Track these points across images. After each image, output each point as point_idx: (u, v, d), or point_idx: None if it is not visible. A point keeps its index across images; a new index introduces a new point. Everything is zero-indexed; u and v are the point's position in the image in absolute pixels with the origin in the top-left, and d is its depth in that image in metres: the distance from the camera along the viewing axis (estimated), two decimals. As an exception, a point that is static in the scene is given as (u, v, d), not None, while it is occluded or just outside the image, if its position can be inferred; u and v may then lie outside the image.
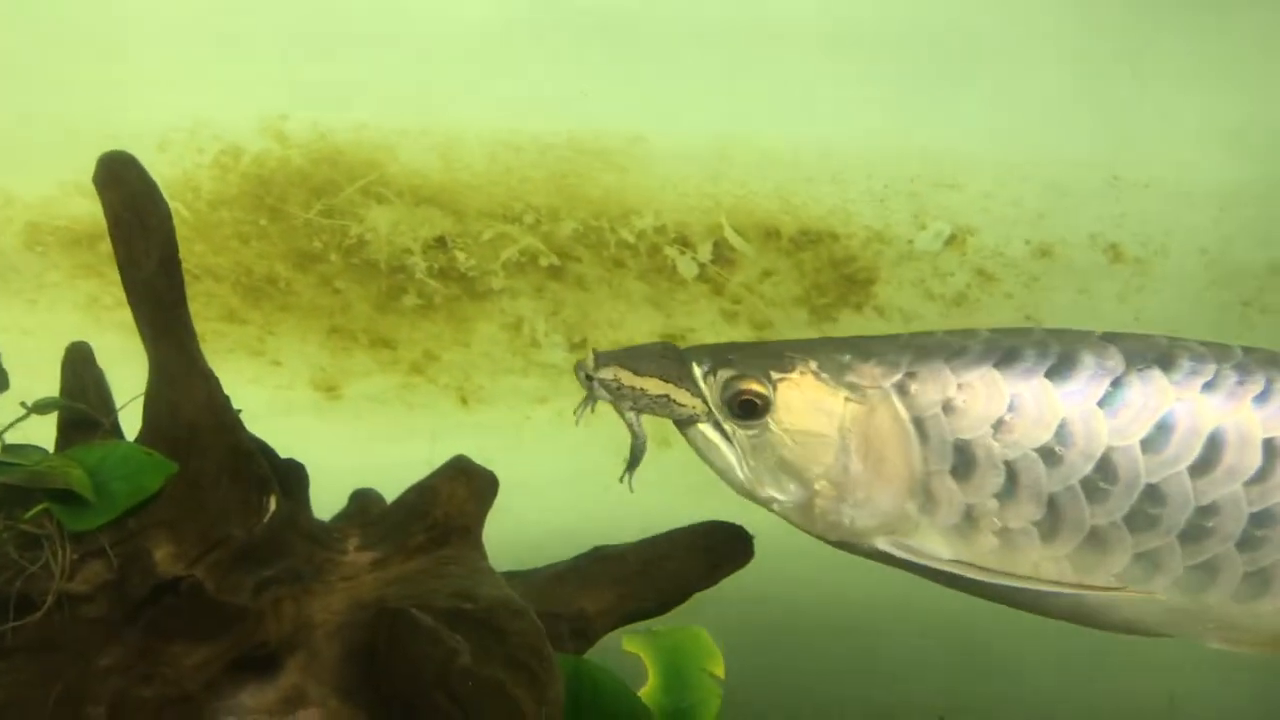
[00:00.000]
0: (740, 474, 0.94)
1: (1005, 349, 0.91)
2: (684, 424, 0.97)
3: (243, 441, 0.97)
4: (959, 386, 0.89)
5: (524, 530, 1.21)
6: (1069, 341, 0.91)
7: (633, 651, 1.04)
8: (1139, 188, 1.59)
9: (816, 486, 0.92)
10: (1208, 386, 0.89)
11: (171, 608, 0.87)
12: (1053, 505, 0.89)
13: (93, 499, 0.91)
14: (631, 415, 0.97)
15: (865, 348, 0.93)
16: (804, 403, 0.91)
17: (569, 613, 1.07)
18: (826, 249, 1.65)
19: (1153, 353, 0.91)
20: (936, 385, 0.90)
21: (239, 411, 1.03)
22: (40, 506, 0.91)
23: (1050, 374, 0.89)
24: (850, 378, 0.91)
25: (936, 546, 0.92)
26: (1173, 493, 0.88)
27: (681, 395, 0.93)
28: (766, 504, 0.96)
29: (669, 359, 0.95)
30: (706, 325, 1.68)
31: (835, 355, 0.92)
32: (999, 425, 0.89)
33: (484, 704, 0.76)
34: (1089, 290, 1.62)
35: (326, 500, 1.12)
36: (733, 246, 1.65)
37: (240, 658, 0.90)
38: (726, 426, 0.93)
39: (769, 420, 0.91)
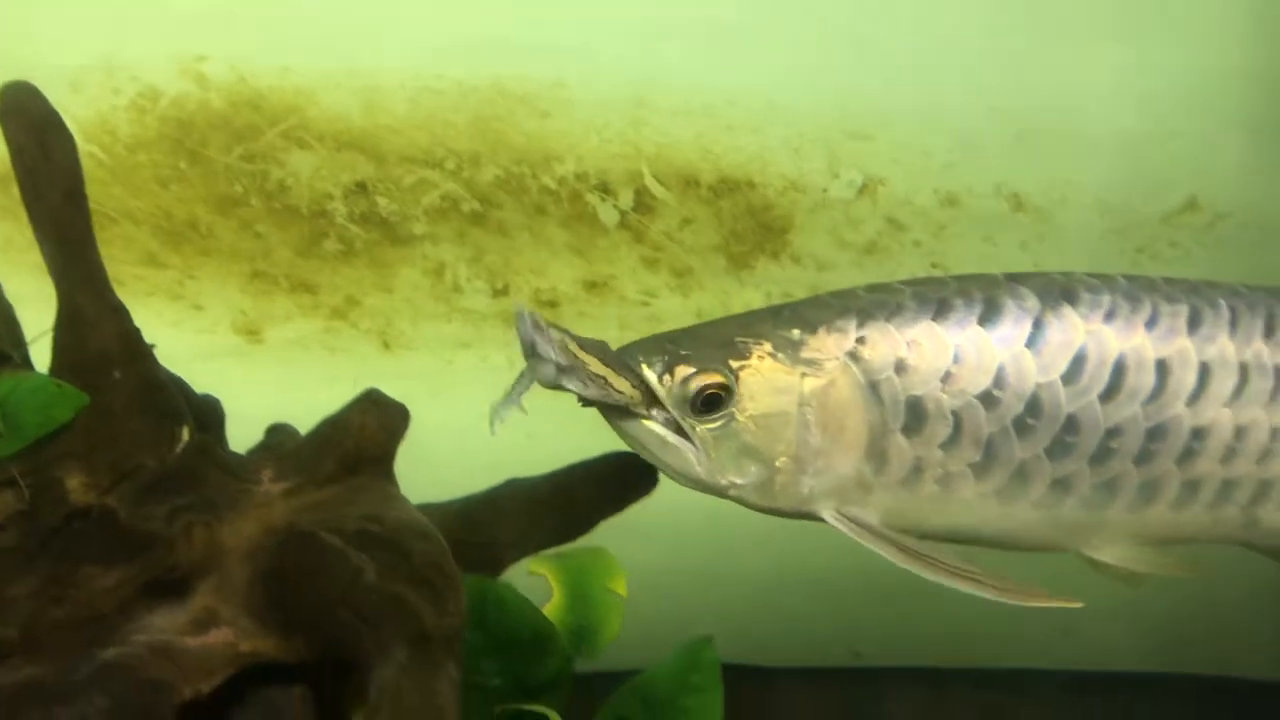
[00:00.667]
0: (698, 469, 0.94)
1: (937, 302, 0.94)
2: (613, 414, 0.96)
3: (153, 373, 0.99)
4: (908, 345, 0.92)
5: (445, 473, 1.24)
6: (984, 287, 0.96)
7: (539, 573, 1.08)
8: (1041, 138, 1.64)
9: (778, 464, 0.93)
10: (1108, 317, 0.95)
11: (82, 533, 0.90)
12: (989, 446, 0.93)
13: (2, 429, 0.93)
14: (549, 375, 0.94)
15: (807, 318, 0.95)
16: (765, 387, 0.91)
17: (481, 540, 1.10)
18: (744, 197, 1.69)
19: (1057, 289, 0.96)
20: (887, 347, 0.92)
21: (152, 347, 1.04)
22: (-51, 436, 0.92)
23: (982, 322, 0.93)
24: (805, 354, 0.92)
25: (882, 500, 0.95)
26: (1086, 420, 0.94)
27: (620, 383, 0.93)
28: (722, 491, 0.96)
29: (607, 349, 0.96)
30: (627, 272, 1.71)
31: (784, 333, 0.93)
32: (946, 377, 0.92)
33: (386, 617, 0.80)
34: (993, 239, 1.67)
35: (248, 444, 1.14)
36: (653, 194, 1.68)
37: (153, 581, 0.93)
38: (686, 424, 0.92)
39: (733, 410, 0.91)
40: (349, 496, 0.98)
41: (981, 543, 0.99)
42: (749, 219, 1.69)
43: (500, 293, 1.69)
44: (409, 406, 1.18)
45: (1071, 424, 0.94)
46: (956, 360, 0.93)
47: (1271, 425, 0.98)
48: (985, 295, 0.95)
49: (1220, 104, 1.65)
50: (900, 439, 0.93)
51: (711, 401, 0.91)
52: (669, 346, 0.93)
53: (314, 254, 1.65)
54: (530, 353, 0.94)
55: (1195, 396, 0.96)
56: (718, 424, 0.91)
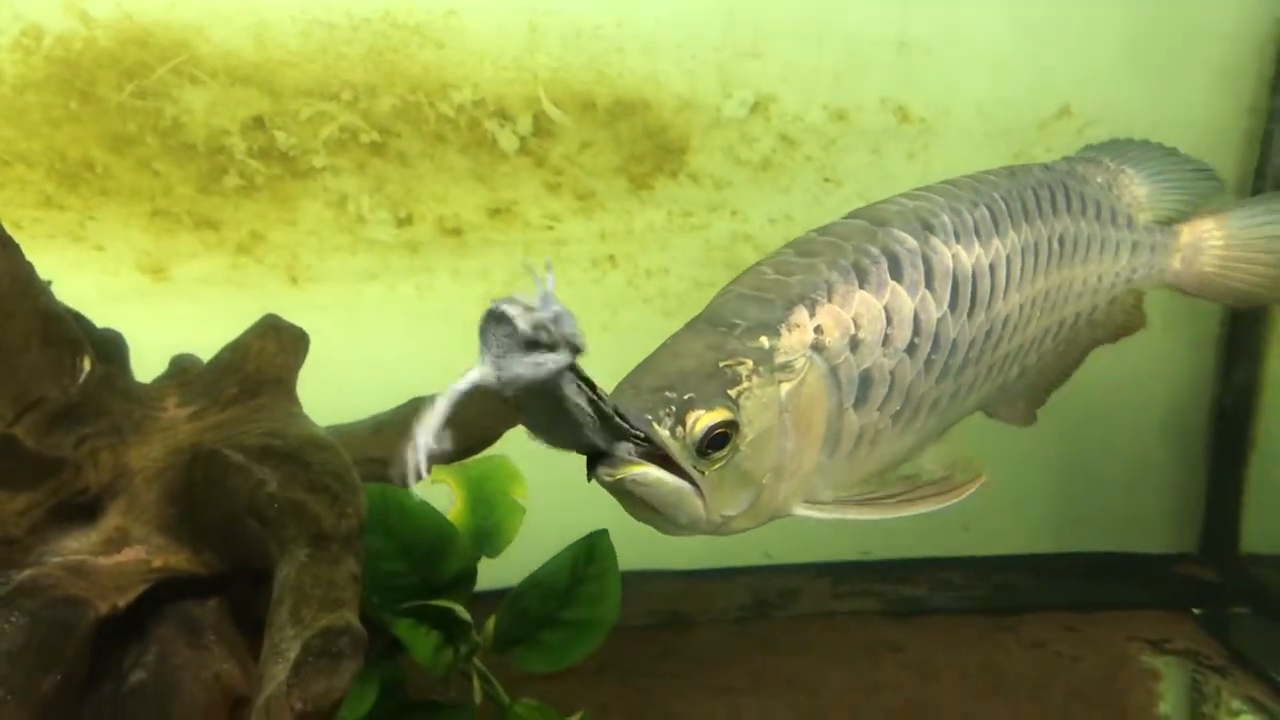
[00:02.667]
0: (702, 513, 0.85)
1: (852, 267, 0.93)
2: (596, 462, 0.81)
3: (50, 306, 1.01)
4: (855, 321, 0.91)
5: (356, 403, 1.27)
6: (869, 238, 0.95)
7: (442, 480, 1.12)
8: (923, 51, 1.70)
9: (764, 481, 0.87)
10: (957, 237, 0.98)
11: (-12, 459, 0.92)
12: (908, 393, 0.95)
13: (-99, 365, 0.94)
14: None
15: (764, 320, 0.89)
16: (758, 407, 0.86)
17: (388, 457, 1.14)
18: (641, 119, 1.72)
19: (916, 222, 0.97)
20: (840, 328, 0.91)
21: (49, 283, 1.06)
22: None
23: (893, 275, 0.93)
24: (779, 359, 0.88)
25: (832, 478, 0.94)
26: (961, 340, 0.97)
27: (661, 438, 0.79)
28: (714, 530, 0.88)
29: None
30: (530, 197, 1.74)
31: (755, 345, 0.87)
32: (885, 341, 0.92)
33: (287, 521, 0.84)
34: (880, 150, 1.73)
35: (161, 380, 1.16)
36: (551, 119, 1.70)
37: (62, 505, 0.96)
38: (696, 470, 0.83)
39: (736, 442, 0.84)
40: (251, 416, 1.02)
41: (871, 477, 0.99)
42: (646, 140, 1.73)
43: (404, 222, 1.71)
44: (320, 338, 1.21)
45: (954, 348, 0.97)
46: (889, 322, 0.93)
47: (1032, 296, 1.05)
48: (880, 247, 0.94)
49: (1093, 15, 1.72)
50: (851, 414, 0.92)
51: (721, 440, 0.83)
52: (670, 396, 0.82)
53: (215, 190, 1.65)
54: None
55: (1007, 289, 1.01)
56: (722, 460, 0.84)
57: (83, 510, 0.97)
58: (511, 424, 1.21)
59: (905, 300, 0.94)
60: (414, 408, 1.21)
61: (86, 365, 1.03)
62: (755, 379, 0.86)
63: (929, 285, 0.95)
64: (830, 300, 0.91)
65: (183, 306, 1.67)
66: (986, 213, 1.01)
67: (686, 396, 0.82)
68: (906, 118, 1.73)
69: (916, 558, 1.84)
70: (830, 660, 1.62)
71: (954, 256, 0.97)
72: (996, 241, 1.01)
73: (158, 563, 0.95)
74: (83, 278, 1.63)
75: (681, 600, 1.75)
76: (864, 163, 1.74)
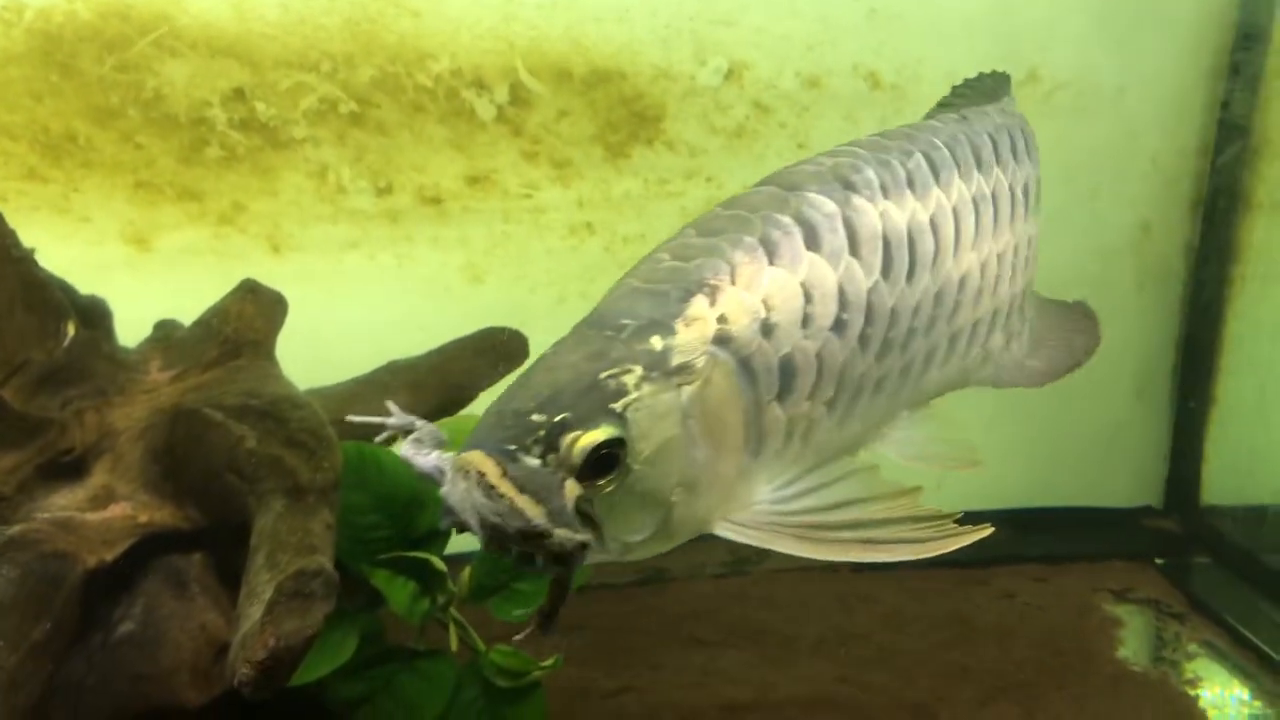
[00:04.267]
0: (599, 550, 0.74)
1: (759, 242, 0.81)
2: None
3: (33, 273, 1.04)
4: (765, 303, 0.79)
5: (339, 369, 1.31)
6: (779, 206, 0.83)
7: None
8: (894, 19, 1.73)
9: (673, 499, 0.75)
10: (884, 191, 0.86)
11: (-24, 420, 0.96)
12: (841, 375, 0.83)
13: (-110, 330, 0.98)
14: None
15: (655, 317, 0.78)
16: (652, 417, 0.74)
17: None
18: (616, 87, 1.75)
19: (835, 181, 0.85)
20: (747, 314, 0.79)
21: (31, 250, 1.09)
22: None
23: (809, 245, 0.82)
24: (675, 361, 0.76)
25: (758, 482, 0.82)
26: (902, 308, 0.86)
27: (573, 488, 0.70)
28: (613, 556, 0.77)
29: (536, 480, 0.69)
30: (508, 165, 1.76)
31: (645, 347, 0.76)
32: (806, 321, 0.81)
33: (265, 475, 0.88)
34: (853, 116, 1.76)
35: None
36: (528, 88, 1.73)
37: (50, 463, 0.99)
38: (579, 501, 0.71)
39: (628, 462, 0.72)
40: (230, 377, 1.05)
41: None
42: (622, 108, 1.76)
43: (384, 192, 1.74)
44: (302, 306, 1.24)
45: (895, 318, 0.86)
46: (809, 299, 0.81)
47: (997, 252, 0.96)
48: (792, 215, 0.82)
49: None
50: (775, 409, 0.80)
51: (607, 462, 0.71)
52: (536, 419, 0.71)
53: (197, 161, 1.67)
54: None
55: (956, 248, 0.91)
56: (613, 485, 0.72)
57: (70, 469, 1.00)
58: (487, 384, 1.24)
59: (826, 272, 0.82)
60: (389, 371, 1.25)
61: (70, 330, 1.07)
62: (646, 387, 0.74)
63: (854, 251, 0.83)
64: (734, 283, 0.79)
65: (167, 276, 1.70)
66: (923, 162, 0.90)
67: (559, 418, 0.71)
68: (878, 84, 1.76)
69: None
70: (804, 613, 1.66)
71: (882, 215, 0.85)
72: (938, 193, 0.90)
73: (143, 518, 0.99)
74: (69, 249, 1.66)
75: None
76: (837, 129, 1.77)
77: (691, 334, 0.77)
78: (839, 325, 0.83)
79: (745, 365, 0.79)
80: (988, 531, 0.80)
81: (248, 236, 1.72)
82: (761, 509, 0.81)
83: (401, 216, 1.76)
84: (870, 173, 0.87)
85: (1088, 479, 1.95)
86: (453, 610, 1.08)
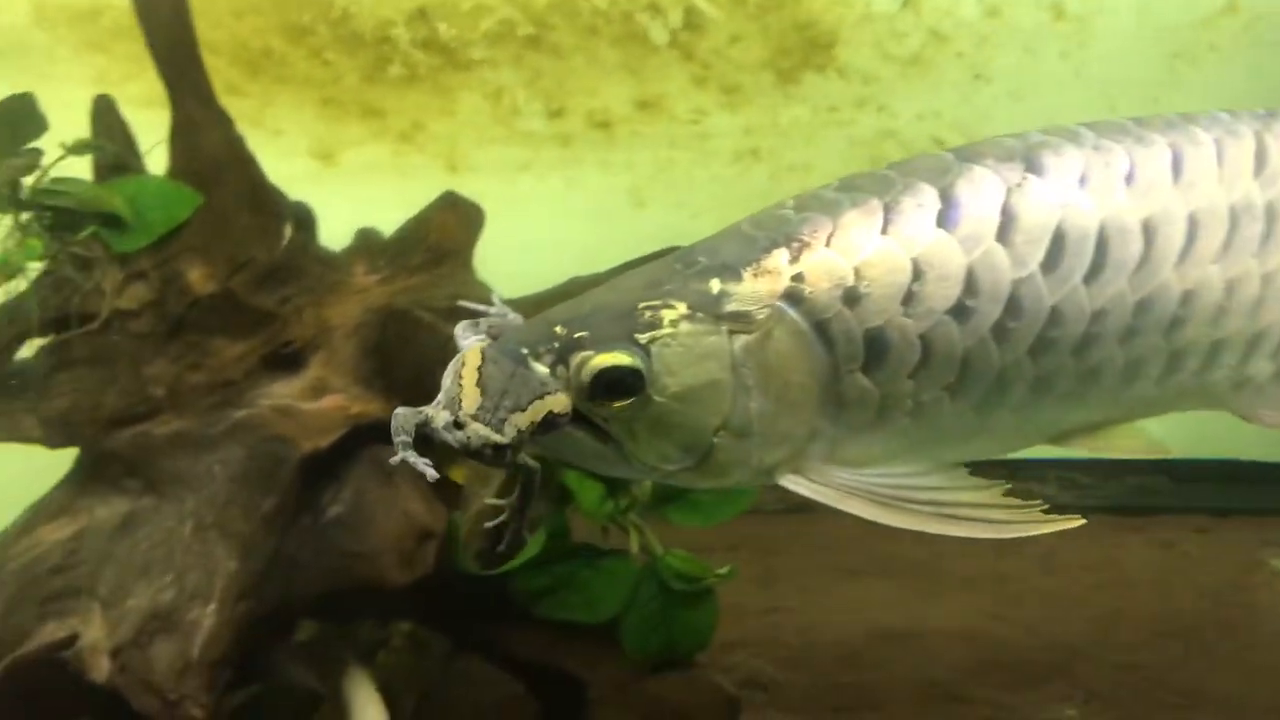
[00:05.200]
0: (614, 462, 0.78)
1: (882, 207, 0.78)
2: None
3: (258, 175, 1.11)
4: (856, 271, 0.77)
5: (508, 286, 1.36)
6: (932, 176, 0.80)
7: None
8: (1084, -55, 1.67)
9: (715, 440, 0.77)
10: (1082, 181, 0.80)
11: (211, 308, 1.04)
12: (965, 363, 0.79)
13: (134, 224, 1.06)
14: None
15: (728, 262, 0.77)
16: (686, 356, 0.75)
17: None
18: (790, 12, 1.74)
19: (1018, 160, 0.80)
20: (830, 279, 0.76)
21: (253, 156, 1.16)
22: (89, 230, 1.05)
23: (941, 222, 0.78)
24: (730, 307, 0.76)
25: (848, 448, 0.80)
26: (1070, 310, 0.80)
27: (557, 403, 0.71)
28: (648, 476, 0.83)
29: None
30: (678, 90, 1.78)
31: (700, 287, 0.76)
32: (909, 299, 0.77)
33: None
34: (1033, 49, 1.72)
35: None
36: (702, 12, 1.73)
37: (272, 355, 1.07)
38: (596, 415, 0.75)
39: (648, 393, 0.74)
40: (435, 282, 1.11)
41: (947, 459, 0.84)
42: (795, 34, 1.75)
43: (556, 115, 1.78)
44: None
45: (1055, 317, 0.80)
46: (918, 276, 0.77)
47: (1263, 273, 0.85)
48: (937, 187, 0.79)
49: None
50: (861, 379, 0.78)
51: (620, 387, 0.74)
52: (558, 331, 0.75)
53: (380, 80, 1.74)
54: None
55: (1183, 257, 0.82)
56: (629, 409, 0.74)
57: (288, 361, 1.08)
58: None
59: (952, 252, 0.77)
60: (568, 288, 1.29)
61: (288, 231, 1.14)
62: (685, 325, 0.75)
63: (1004, 238, 0.78)
64: (828, 245, 0.77)
65: (348, 191, 1.77)
66: (1165, 156, 0.82)
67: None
68: (1062, 15, 1.71)
69: (1047, 458, 1.86)
70: (955, 550, 1.66)
71: (1064, 206, 0.79)
72: (1171, 194, 0.82)
73: (354, 410, 1.06)
74: (261, 161, 1.75)
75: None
76: (1016, 61, 1.73)
77: (758, 285, 0.76)
78: (960, 311, 0.78)
79: (820, 329, 0.77)
80: (1076, 522, 0.76)
81: (426, 155, 1.78)
82: (836, 470, 0.80)
83: (572, 140, 1.79)
84: (1073, 158, 0.81)
85: (1256, 431, 1.89)
86: (633, 515, 1.13)
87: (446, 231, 1.16)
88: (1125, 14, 1.69)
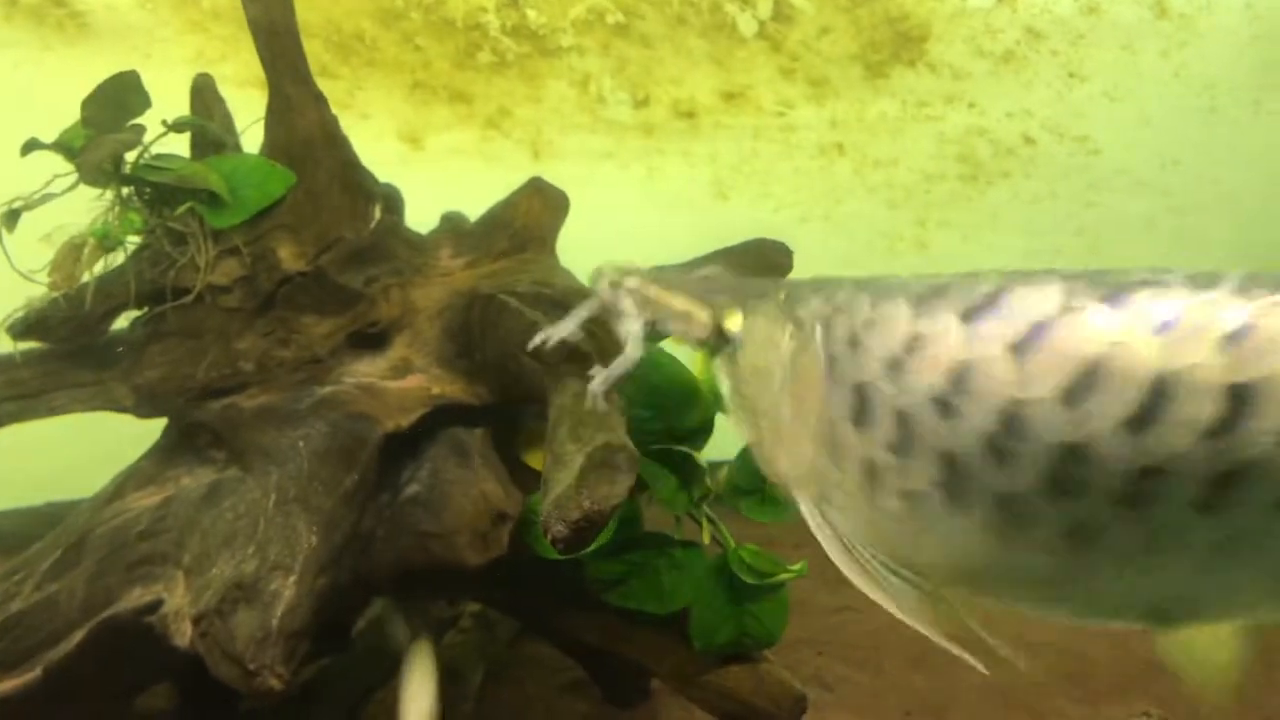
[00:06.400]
0: (728, 402, 0.88)
1: (935, 285, 0.76)
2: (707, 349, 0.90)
3: (350, 156, 1.12)
4: (866, 322, 0.78)
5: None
6: (1026, 279, 0.74)
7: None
8: (1192, -59, 1.62)
9: (762, 424, 0.84)
10: (1162, 328, 0.70)
11: (300, 285, 1.05)
12: (955, 465, 0.73)
13: (229, 200, 1.08)
14: (635, 328, 0.90)
15: (838, 287, 0.81)
16: (760, 335, 0.84)
17: (631, 317, 1.23)
18: (882, 5, 1.72)
19: (1099, 286, 0.72)
20: (848, 320, 0.79)
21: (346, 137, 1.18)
22: (186, 205, 1.08)
23: (967, 314, 0.73)
24: (799, 311, 0.81)
25: (853, 505, 0.79)
26: (1102, 453, 0.70)
27: (700, 313, 0.88)
28: (740, 435, 0.90)
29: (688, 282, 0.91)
30: (764, 82, 1.77)
31: (794, 290, 0.84)
32: (893, 365, 0.75)
33: (558, 359, 0.93)
34: (1132, 47, 1.67)
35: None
36: (792, 3, 1.72)
37: (358, 333, 1.08)
38: (719, 356, 0.87)
39: (737, 351, 0.85)
40: (520, 267, 1.11)
41: (1007, 597, 0.80)
42: (887, 27, 1.72)
43: (641, 104, 1.78)
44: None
45: (1077, 454, 0.71)
46: (908, 348, 0.75)
47: None
48: (1000, 284, 0.74)
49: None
50: (849, 429, 0.77)
51: (725, 337, 0.87)
52: (721, 283, 0.91)
53: (469, 65, 1.75)
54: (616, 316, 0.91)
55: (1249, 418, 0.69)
56: (729, 354, 0.87)
57: (373, 340, 1.09)
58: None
59: (954, 342, 0.73)
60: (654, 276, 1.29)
61: (376, 213, 1.15)
62: (772, 307, 0.83)
63: (1020, 350, 0.72)
64: (870, 293, 0.79)
65: (435, 175, 1.80)
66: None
67: (723, 298, 0.88)
68: (1164, 12, 1.66)
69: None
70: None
71: (1118, 345, 0.70)
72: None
73: (436, 390, 1.07)
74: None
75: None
76: (1113, 59, 1.68)
77: (815, 300, 0.81)
78: (943, 405, 0.73)
79: (832, 362, 0.78)
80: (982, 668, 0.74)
81: (511, 141, 1.79)
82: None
83: (656, 129, 1.79)
84: (1165, 300, 0.71)
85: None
86: (706, 507, 1.12)
87: (532, 217, 1.16)
88: (1231, 13, 1.64)
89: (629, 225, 1.81)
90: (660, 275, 0.94)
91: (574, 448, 0.79)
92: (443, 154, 1.79)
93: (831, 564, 1.70)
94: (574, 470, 0.76)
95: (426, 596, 1.21)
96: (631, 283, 0.92)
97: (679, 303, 0.90)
